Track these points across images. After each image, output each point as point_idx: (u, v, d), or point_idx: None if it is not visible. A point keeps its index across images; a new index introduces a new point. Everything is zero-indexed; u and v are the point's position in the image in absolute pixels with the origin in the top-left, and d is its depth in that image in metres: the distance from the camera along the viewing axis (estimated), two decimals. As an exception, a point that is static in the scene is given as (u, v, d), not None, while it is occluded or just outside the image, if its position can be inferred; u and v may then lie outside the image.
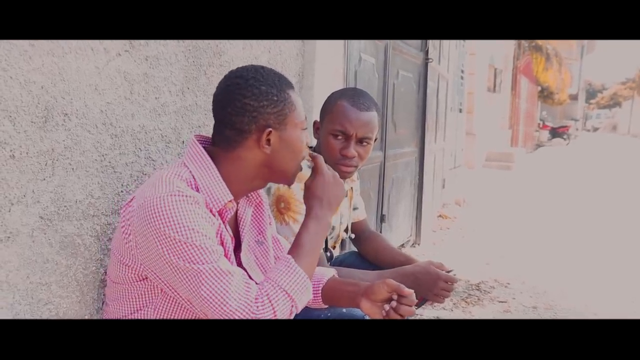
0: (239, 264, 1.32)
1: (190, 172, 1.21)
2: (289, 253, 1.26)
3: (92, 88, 1.34)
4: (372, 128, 1.69)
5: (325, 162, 1.70)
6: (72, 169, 1.31)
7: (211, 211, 1.19)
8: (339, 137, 1.67)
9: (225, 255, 1.20)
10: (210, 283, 1.10)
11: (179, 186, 1.14)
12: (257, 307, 1.12)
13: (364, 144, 1.69)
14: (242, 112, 1.20)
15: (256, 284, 1.20)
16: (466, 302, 3.39)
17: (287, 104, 1.24)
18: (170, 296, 1.20)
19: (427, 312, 3.16)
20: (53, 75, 1.23)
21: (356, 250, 2.06)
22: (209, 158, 1.23)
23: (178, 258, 1.10)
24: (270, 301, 1.13)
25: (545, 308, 3.34)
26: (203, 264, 1.10)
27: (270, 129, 1.21)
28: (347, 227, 1.99)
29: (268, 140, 1.22)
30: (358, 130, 1.66)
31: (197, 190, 1.19)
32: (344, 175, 1.69)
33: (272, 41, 2.13)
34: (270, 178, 1.30)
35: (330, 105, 1.71)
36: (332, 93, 1.77)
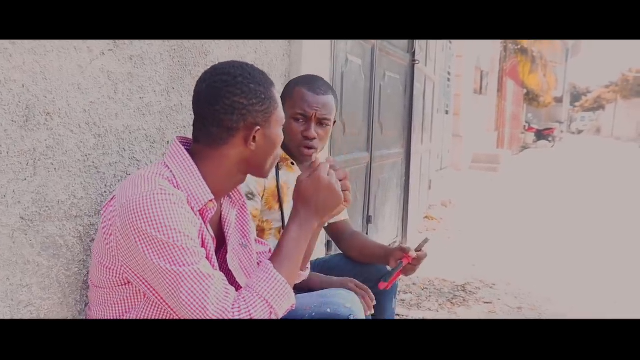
0: (222, 266, 1.31)
1: (171, 171, 1.20)
2: (270, 258, 1.24)
3: (75, 87, 1.32)
4: (330, 110, 1.80)
5: (288, 147, 1.78)
6: (55, 169, 1.29)
7: (192, 210, 1.18)
8: (300, 120, 1.77)
9: (207, 257, 1.18)
10: (190, 286, 1.08)
11: (162, 184, 1.13)
12: (234, 313, 1.10)
13: (324, 125, 1.79)
14: (231, 110, 1.19)
15: (240, 288, 1.19)
16: (452, 303, 3.40)
17: (272, 102, 1.24)
18: (154, 302, 1.18)
19: (413, 314, 3.17)
20: (34, 74, 1.21)
21: (341, 252, 2.07)
22: (190, 158, 1.22)
23: (159, 258, 1.08)
24: (247, 308, 1.12)
25: (530, 309, 3.36)
26: (183, 265, 1.09)
27: (258, 127, 1.21)
28: None
29: (254, 138, 1.22)
30: (317, 112, 1.76)
31: (178, 189, 1.18)
32: (305, 159, 1.80)
33: (258, 41, 2.12)
34: (248, 172, 1.30)
35: (288, 92, 1.81)
36: (289, 81, 1.89)
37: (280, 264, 1.22)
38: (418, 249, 1.80)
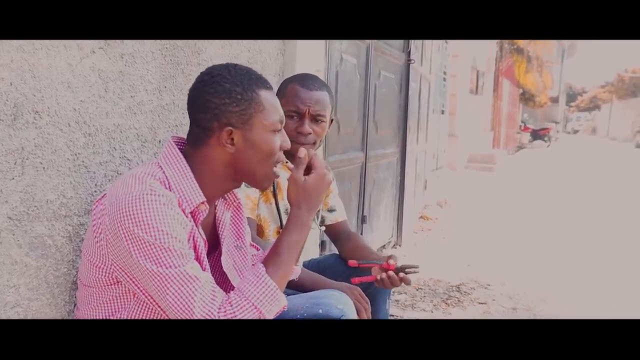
0: (217, 268, 1.30)
1: (164, 172, 1.19)
2: (264, 260, 1.23)
3: (65, 86, 1.31)
4: (325, 106, 1.78)
5: None
6: (43, 168, 1.27)
7: (184, 212, 1.16)
8: (294, 117, 1.76)
9: (198, 259, 1.17)
10: (176, 288, 1.07)
11: (152, 185, 1.12)
12: (220, 316, 1.09)
13: (319, 121, 1.78)
14: (204, 109, 1.19)
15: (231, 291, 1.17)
16: (446, 303, 3.39)
17: (254, 103, 1.20)
18: (143, 301, 1.17)
19: (407, 314, 3.16)
20: (23, 72, 1.20)
21: (337, 252, 2.06)
22: (183, 159, 1.21)
23: (146, 259, 1.07)
24: (234, 312, 1.11)
25: (525, 310, 3.36)
26: (170, 267, 1.08)
27: (230, 128, 1.18)
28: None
29: (232, 140, 1.19)
30: (310, 108, 1.75)
31: (170, 190, 1.16)
32: None
33: (252, 40, 2.11)
34: (239, 179, 1.27)
35: (282, 91, 1.79)
36: (283, 80, 1.86)
37: (275, 268, 1.20)
38: (404, 269, 1.70)
